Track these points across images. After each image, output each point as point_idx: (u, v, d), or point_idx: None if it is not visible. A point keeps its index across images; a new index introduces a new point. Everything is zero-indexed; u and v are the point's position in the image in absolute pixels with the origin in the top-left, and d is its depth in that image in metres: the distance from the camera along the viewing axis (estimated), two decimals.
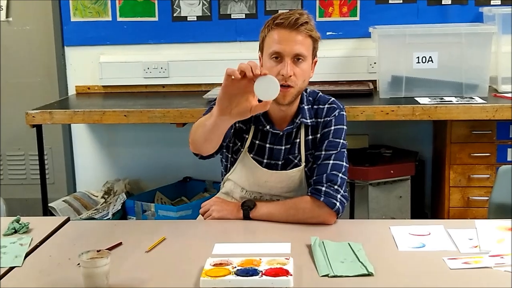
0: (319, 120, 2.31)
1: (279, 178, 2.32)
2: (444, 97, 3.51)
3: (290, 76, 2.17)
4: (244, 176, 2.35)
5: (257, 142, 2.33)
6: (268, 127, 2.30)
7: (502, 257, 1.83)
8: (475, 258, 1.84)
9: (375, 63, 3.88)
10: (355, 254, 1.87)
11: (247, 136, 2.33)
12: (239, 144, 2.35)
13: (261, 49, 2.27)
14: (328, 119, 2.30)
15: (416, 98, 3.52)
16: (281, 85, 2.17)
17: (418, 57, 3.59)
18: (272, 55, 2.19)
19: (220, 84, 4.21)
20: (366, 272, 1.76)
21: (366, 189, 3.65)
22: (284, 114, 2.30)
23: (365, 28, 3.93)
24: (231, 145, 2.36)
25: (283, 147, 2.32)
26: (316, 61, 2.30)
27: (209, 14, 4.09)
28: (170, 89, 4.18)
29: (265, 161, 2.33)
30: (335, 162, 2.24)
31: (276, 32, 2.18)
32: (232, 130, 2.29)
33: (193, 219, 2.51)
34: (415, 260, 1.87)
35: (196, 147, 2.14)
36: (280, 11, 2.26)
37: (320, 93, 2.37)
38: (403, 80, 3.62)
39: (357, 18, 4.02)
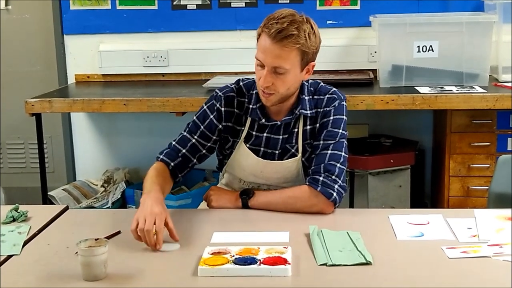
0: (319, 110, 2.29)
1: (274, 168, 2.31)
2: (444, 87, 3.50)
3: (268, 86, 2.15)
4: (240, 166, 2.35)
5: (254, 133, 2.32)
6: (263, 120, 2.28)
7: (501, 247, 1.83)
8: (474, 247, 1.84)
9: (375, 52, 3.87)
10: (354, 243, 1.87)
11: (242, 128, 2.32)
12: (231, 140, 2.34)
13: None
14: (328, 109, 2.27)
15: (416, 87, 3.51)
16: (262, 91, 2.18)
17: (418, 46, 3.57)
18: (257, 59, 2.17)
19: (219, 73, 4.22)
20: (365, 261, 1.76)
21: (365, 178, 3.65)
22: (279, 108, 2.28)
23: (366, 17, 3.91)
24: (222, 141, 2.35)
25: (281, 137, 2.30)
26: (314, 65, 2.23)
27: (209, 2, 4.07)
28: (170, 78, 4.17)
29: (262, 149, 2.31)
30: (333, 152, 2.22)
31: (263, 38, 2.14)
32: (210, 145, 2.33)
33: (193, 208, 2.51)
34: (413, 249, 1.87)
35: None
36: (278, 11, 2.16)
37: (322, 84, 2.34)
38: (403, 69, 3.61)
39: (358, 7, 4.00)
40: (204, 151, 2.32)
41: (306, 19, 2.16)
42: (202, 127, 2.31)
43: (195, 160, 2.32)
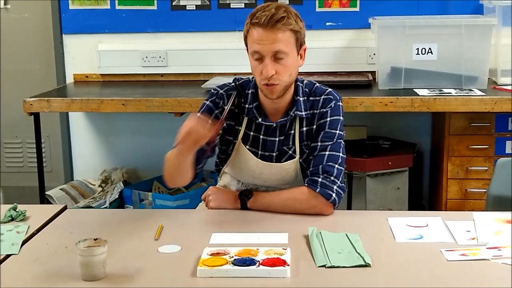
0: (315, 111, 2.28)
1: (273, 170, 2.30)
2: (443, 89, 3.51)
3: (273, 75, 2.16)
4: (239, 168, 2.34)
5: (251, 133, 2.32)
6: (260, 119, 2.28)
7: (499, 250, 1.83)
8: (473, 250, 1.84)
9: (374, 54, 3.87)
10: (353, 245, 1.87)
11: (240, 128, 2.32)
12: (231, 138, 2.33)
13: (246, 45, 2.26)
14: (324, 110, 2.27)
15: (415, 90, 3.51)
16: (266, 84, 2.17)
17: (417, 49, 3.58)
18: (253, 54, 2.18)
19: (218, 74, 4.22)
20: (363, 263, 1.76)
21: (364, 180, 3.65)
22: (276, 106, 2.28)
23: (365, 19, 3.91)
24: (223, 147, 2.36)
25: (277, 139, 2.30)
26: (305, 48, 2.26)
27: (208, 3, 4.07)
28: (169, 78, 4.16)
29: (259, 152, 2.32)
30: (331, 153, 2.22)
31: (255, 31, 2.16)
32: (209, 154, 2.34)
33: (191, 209, 2.51)
34: (412, 251, 1.87)
35: (173, 182, 2.27)
36: (258, 6, 2.21)
37: (317, 84, 2.34)
38: (402, 71, 3.61)
39: (357, 9, 4.00)
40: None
41: (287, 5, 2.22)
42: (209, 120, 2.26)
43: (209, 152, 2.31)
